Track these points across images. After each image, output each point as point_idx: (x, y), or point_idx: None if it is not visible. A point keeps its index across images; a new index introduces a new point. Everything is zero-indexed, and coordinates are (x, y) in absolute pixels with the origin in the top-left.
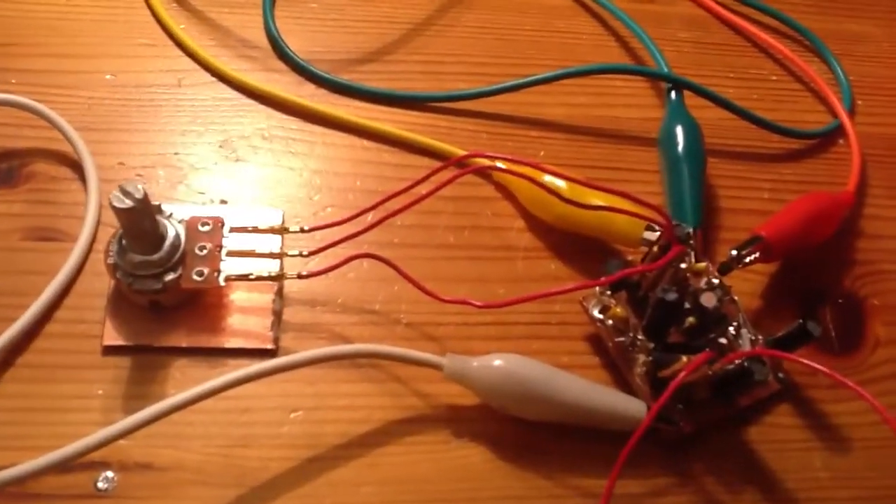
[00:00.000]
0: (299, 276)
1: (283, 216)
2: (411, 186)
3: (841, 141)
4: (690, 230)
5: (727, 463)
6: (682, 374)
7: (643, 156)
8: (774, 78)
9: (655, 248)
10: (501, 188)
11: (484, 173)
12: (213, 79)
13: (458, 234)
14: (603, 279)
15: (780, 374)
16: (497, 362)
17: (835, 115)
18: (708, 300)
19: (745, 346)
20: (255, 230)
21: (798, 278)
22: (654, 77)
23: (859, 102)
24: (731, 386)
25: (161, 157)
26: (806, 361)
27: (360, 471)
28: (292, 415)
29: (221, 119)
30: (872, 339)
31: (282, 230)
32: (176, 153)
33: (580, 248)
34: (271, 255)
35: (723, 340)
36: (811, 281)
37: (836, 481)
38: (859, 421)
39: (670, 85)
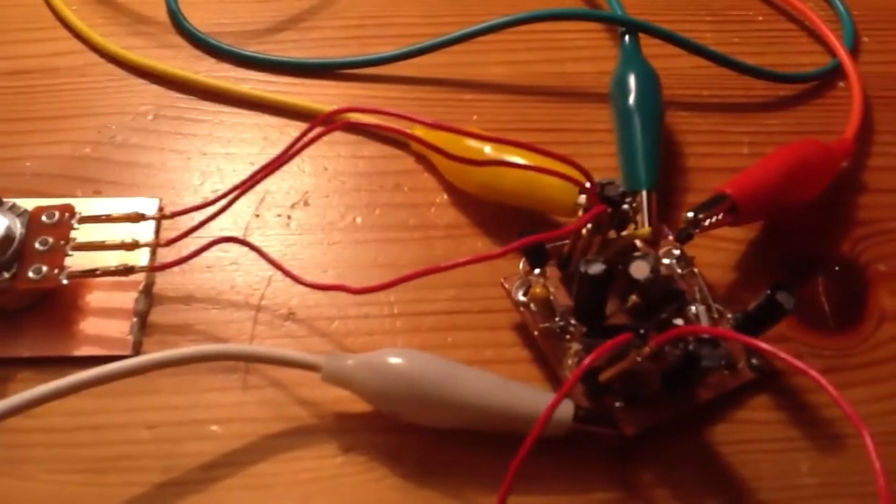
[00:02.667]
0: (151, 269)
1: (161, 204)
2: (283, 155)
3: (841, 84)
4: (621, 188)
5: (685, 470)
6: (585, 361)
7: (596, 113)
8: (761, 18)
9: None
10: (422, 159)
11: (400, 142)
12: (101, 59)
13: (367, 213)
14: (499, 250)
15: (754, 360)
16: (380, 360)
17: (833, 54)
18: (638, 271)
19: (704, 326)
20: (108, 219)
21: (784, 244)
22: (603, 21)
23: (865, 39)
24: (685, 376)
25: (32, 147)
26: (751, 341)
27: (219, 494)
28: (147, 431)
29: (106, 102)
30: (877, 313)
31: (137, 217)
32: (50, 143)
33: (511, 222)
34: (123, 246)
35: (678, 321)
36: (800, 246)
37: (826, 489)
38: (859, 413)
39: (623, 29)
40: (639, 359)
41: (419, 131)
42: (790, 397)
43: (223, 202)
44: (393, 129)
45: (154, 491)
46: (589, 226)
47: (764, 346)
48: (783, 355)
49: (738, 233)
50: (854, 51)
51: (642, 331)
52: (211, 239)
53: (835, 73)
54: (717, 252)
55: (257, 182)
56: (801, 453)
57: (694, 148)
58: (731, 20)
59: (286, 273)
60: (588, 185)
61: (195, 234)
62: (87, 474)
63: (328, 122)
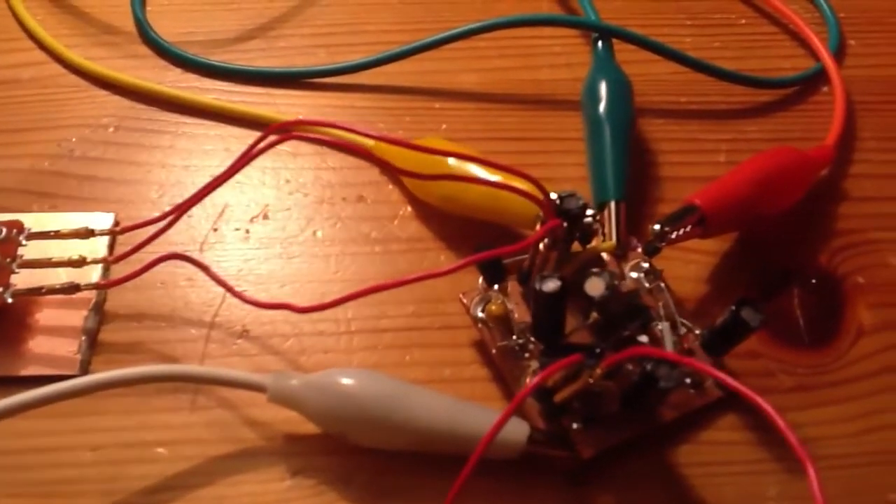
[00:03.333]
0: (97, 287)
1: (117, 219)
2: (231, 168)
3: (824, 89)
4: (581, 200)
5: (645, 494)
6: (536, 380)
7: (569, 121)
8: (743, 22)
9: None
10: (387, 170)
11: (364, 153)
12: (65, 70)
13: (328, 226)
14: (449, 266)
15: None
16: (326, 380)
17: (817, 58)
18: (593, 288)
19: (667, 346)
20: (57, 235)
21: (758, 255)
22: (575, 26)
23: (851, 42)
24: (644, 397)
25: None
26: (699, 365)
27: None
28: (91, 454)
29: (67, 114)
30: (854, 327)
31: (87, 233)
32: (8, 156)
33: (476, 235)
34: (70, 263)
35: (643, 338)
36: (776, 258)
37: None
38: (831, 433)
39: (596, 35)
40: (591, 380)
41: (372, 144)
42: (759, 417)
43: (171, 218)
44: (342, 144)
45: None
46: (546, 240)
47: (713, 370)
48: (731, 382)
49: (710, 245)
50: (839, 54)
51: (598, 350)
52: (160, 255)
53: (818, 77)
54: (689, 265)
55: (204, 195)
56: (769, 476)
57: (669, 156)
58: (711, 24)
59: (229, 290)
60: (543, 198)
61: (147, 249)
62: (31, 498)
63: (281, 132)
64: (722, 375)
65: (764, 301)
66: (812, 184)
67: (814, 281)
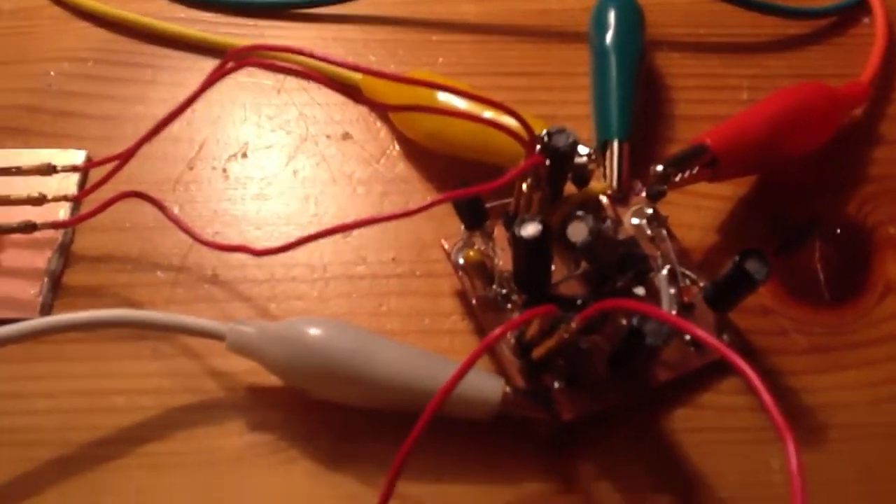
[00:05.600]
0: (54, 226)
1: (89, 155)
2: (192, 98)
3: (865, 20)
4: (571, 137)
5: (631, 462)
6: (498, 330)
7: (577, 55)
8: None
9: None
10: (374, 104)
11: (355, 87)
12: (47, 2)
13: (310, 165)
14: (417, 206)
15: (725, 336)
16: (286, 329)
17: None
18: (576, 233)
19: (663, 299)
20: (18, 172)
21: (778, 202)
22: None
23: None
24: (631, 356)
25: None
26: (683, 323)
27: (112, 474)
28: (46, 401)
29: (47, 47)
30: (881, 283)
31: (49, 170)
32: None
33: (464, 175)
34: (29, 201)
35: (639, 290)
36: (798, 205)
37: None
38: (848, 400)
39: None
40: (566, 335)
41: (359, 78)
42: (767, 380)
43: (128, 155)
44: (314, 76)
45: (45, 467)
46: (529, 180)
47: (696, 329)
48: (710, 339)
49: (725, 189)
50: None
51: (580, 302)
52: (116, 193)
53: (858, 7)
54: (699, 211)
55: (160, 129)
56: (773, 445)
57: (685, 93)
58: None
59: (187, 231)
60: (526, 134)
61: (115, 187)
62: None
63: (240, 59)
64: (700, 332)
65: (782, 253)
66: (842, 124)
67: (839, 231)
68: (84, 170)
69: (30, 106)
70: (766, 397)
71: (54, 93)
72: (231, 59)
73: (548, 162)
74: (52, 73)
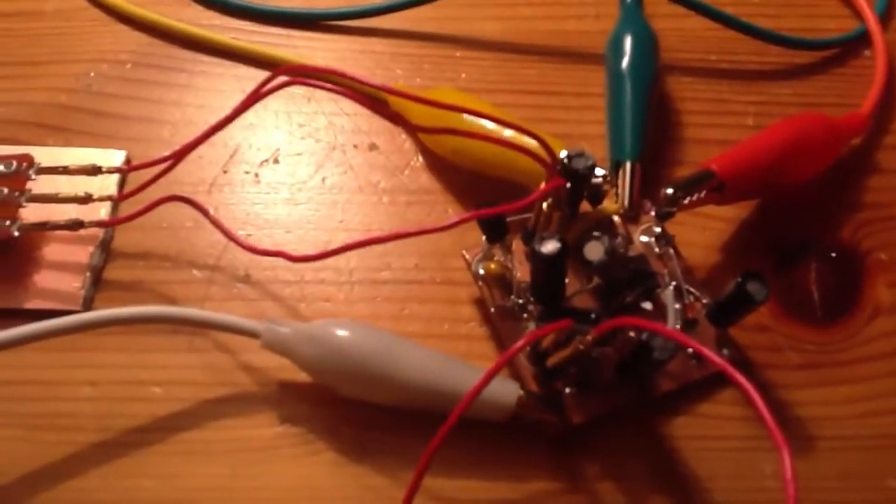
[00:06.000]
0: (100, 224)
1: (128, 156)
2: (239, 108)
3: (867, 52)
4: (590, 160)
5: (633, 465)
6: (521, 342)
7: (593, 76)
8: None
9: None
10: (401, 119)
11: (382, 100)
12: (88, 4)
13: (337, 173)
14: (447, 223)
15: (725, 350)
16: (317, 330)
17: (862, 19)
18: (592, 252)
19: (669, 314)
20: (66, 171)
21: (778, 225)
22: None
23: None
24: (639, 367)
25: (8, 93)
26: (682, 337)
27: (150, 458)
28: (89, 389)
29: (87, 48)
30: (871, 305)
31: (94, 170)
32: (26, 89)
33: (486, 189)
34: (76, 200)
35: (646, 305)
36: (796, 228)
37: (782, 493)
38: (836, 413)
39: None
40: (581, 347)
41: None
42: (762, 393)
43: (173, 160)
44: (352, 96)
45: (86, 451)
46: (549, 200)
47: (701, 347)
48: (711, 356)
49: (728, 211)
50: (887, 16)
51: (594, 316)
52: (161, 196)
53: (861, 40)
54: (704, 231)
55: (207, 137)
56: (766, 454)
57: (694, 117)
58: None
59: (227, 234)
60: (548, 158)
61: (156, 189)
62: (24, 430)
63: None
64: (703, 349)
65: (778, 272)
66: (841, 153)
67: (833, 254)
68: (127, 171)
69: (70, 105)
70: (764, 410)
71: (94, 93)
72: (280, 75)
73: (568, 184)
74: (91, 73)
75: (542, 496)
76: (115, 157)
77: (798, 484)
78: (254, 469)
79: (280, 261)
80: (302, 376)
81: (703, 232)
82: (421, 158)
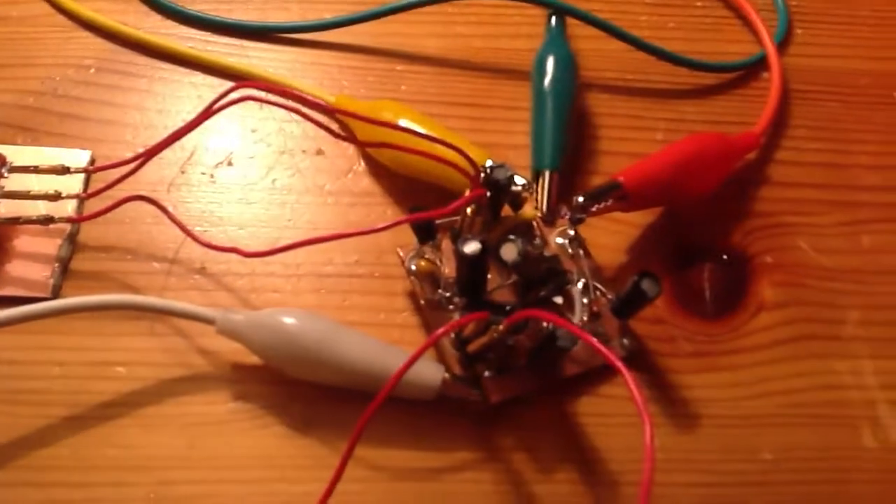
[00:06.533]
0: (69, 220)
1: (92, 157)
2: (197, 119)
3: (765, 75)
4: (509, 172)
5: (543, 438)
6: (441, 330)
7: (522, 91)
8: (699, 4)
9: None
10: (346, 127)
11: (328, 111)
12: (53, 10)
13: (287, 176)
14: (382, 225)
15: (626, 340)
16: (267, 317)
17: (762, 45)
18: (507, 253)
19: (577, 307)
20: (36, 170)
21: (678, 230)
22: (530, 1)
23: (798, 31)
24: (547, 353)
25: None
26: (574, 328)
27: (115, 431)
28: (58, 369)
29: (52, 53)
30: (755, 302)
31: (63, 170)
32: None
33: (421, 192)
34: (46, 197)
35: (558, 299)
36: (694, 233)
37: (671, 463)
38: (718, 396)
39: (551, 10)
40: (495, 335)
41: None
42: (656, 377)
43: (140, 161)
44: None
45: (58, 423)
46: (472, 207)
47: (583, 333)
48: (595, 343)
49: (636, 217)
50: (785, 43)
51: (508, 308)
52: (124, 196)
53: (761, 64)
54: (613, 235)
55: (170, 143)
56: (655, 429)
57: (610, 131)
58: (668, 4)
59: (185, 231)
60: (471, 171)
61: (119, 187)
62: (1, 404)
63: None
64: (589, 338)
65: (676, 273)
66: (734, 169)
67: (725, 257)
68: (93, 171)
69: (37, 107)
70: (634, 388)
71: (59, 96)
72: (238, 90)
73: (488, 192)
74: (57, 77)
75: (465, 464)
76: (81, 157)
77: (679, 455)
78: (209, 441)
79: (232, 256)
80: (253, 359)
81: (613, 235)
82: (363, 164)
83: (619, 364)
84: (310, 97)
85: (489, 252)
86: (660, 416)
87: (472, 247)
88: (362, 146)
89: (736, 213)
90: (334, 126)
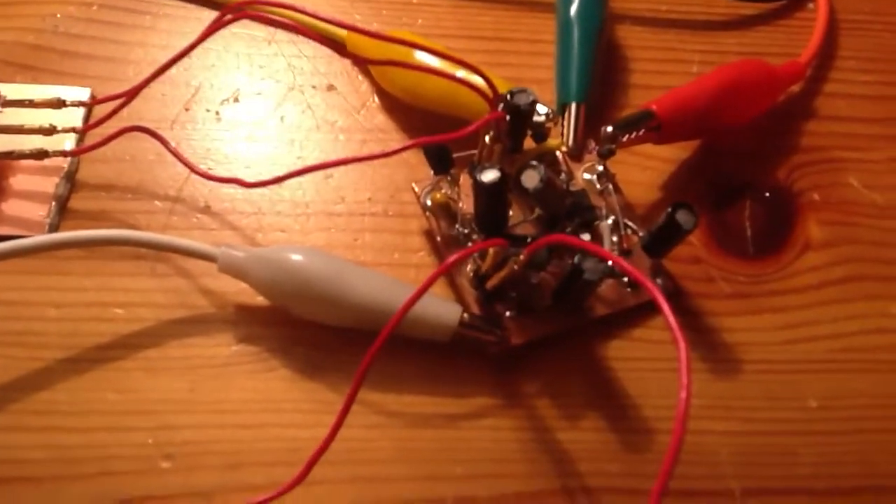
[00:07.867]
0: (63, 154)
1: (93, 94)
2: (194, 45)
3: (811, 5)
4: (531, 97)
5: (569, 383)
6: (454, 256)
7: (545, 24)
8: None
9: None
10: (356, 58)
11: (340, 42)
12: None
13: (295, 112)
14: (390, 150)
15: (659, 280)
16: (271, 254)
17: None
18: (529, 180)
19: (605, 245)
20: (31, 104)
21: (716, 166)
22: None
23: None
24: (573, 290)
25: None
26: (608, 254)
27: (113, 374)
28: (55, 310)
29: None
30: (801, 242)
31: (59, 103)
32: None
33: (437, 128)
34: (41, 131)
35: (585, 236)
36: (733, 169)
37: (708, 410)
38: (761, 339)
39: None
40: (515, 267)
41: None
42: (692, 319)
43: (133, 92)
44: (302, 31)
45: (54, 366)
46: (490, 133)
47: (624, 263)
48: (631, 270)
49: (669, 151)
50: None
51: (529, 239)
52: (122, 127)
53: None
54: (645, 171)
55: (163, 71)
56: (692, 375)
57: (641, 64)
58: None
59: (185, 163)
60: (490, 92)
61: (121, 124)
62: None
63: (237, 12)
64: (627, 265)
65: (714, 211)
66: (778, 99)
67: (767, 194)
68: (90, 105)
69: (37, 45)
70: (666, 308)
71: (61, 34)
72: (229, 13)
73: (508, 118)
74: (58, 15)
75: (483, 410)
76: (81, 94)
77: (722, 402)
78: (212, 384)
79: (239, 193)
80: (258, 299)
81: (645, 171)
82: (377, 99)
83: (647, 281)
84: (319, 16)
85: (509, 182)
86: (697, 360)
87: (490, 175)
88: (377, 64)
89: (779, 149)
90: (345, 62)
